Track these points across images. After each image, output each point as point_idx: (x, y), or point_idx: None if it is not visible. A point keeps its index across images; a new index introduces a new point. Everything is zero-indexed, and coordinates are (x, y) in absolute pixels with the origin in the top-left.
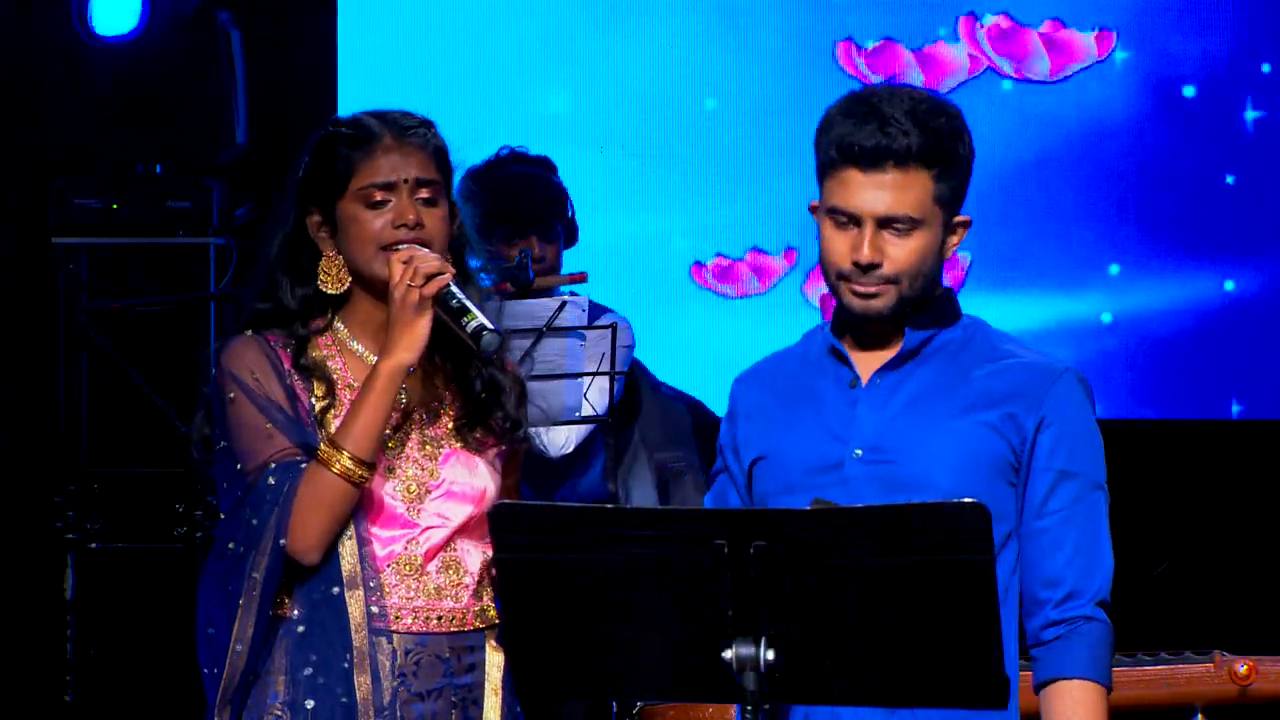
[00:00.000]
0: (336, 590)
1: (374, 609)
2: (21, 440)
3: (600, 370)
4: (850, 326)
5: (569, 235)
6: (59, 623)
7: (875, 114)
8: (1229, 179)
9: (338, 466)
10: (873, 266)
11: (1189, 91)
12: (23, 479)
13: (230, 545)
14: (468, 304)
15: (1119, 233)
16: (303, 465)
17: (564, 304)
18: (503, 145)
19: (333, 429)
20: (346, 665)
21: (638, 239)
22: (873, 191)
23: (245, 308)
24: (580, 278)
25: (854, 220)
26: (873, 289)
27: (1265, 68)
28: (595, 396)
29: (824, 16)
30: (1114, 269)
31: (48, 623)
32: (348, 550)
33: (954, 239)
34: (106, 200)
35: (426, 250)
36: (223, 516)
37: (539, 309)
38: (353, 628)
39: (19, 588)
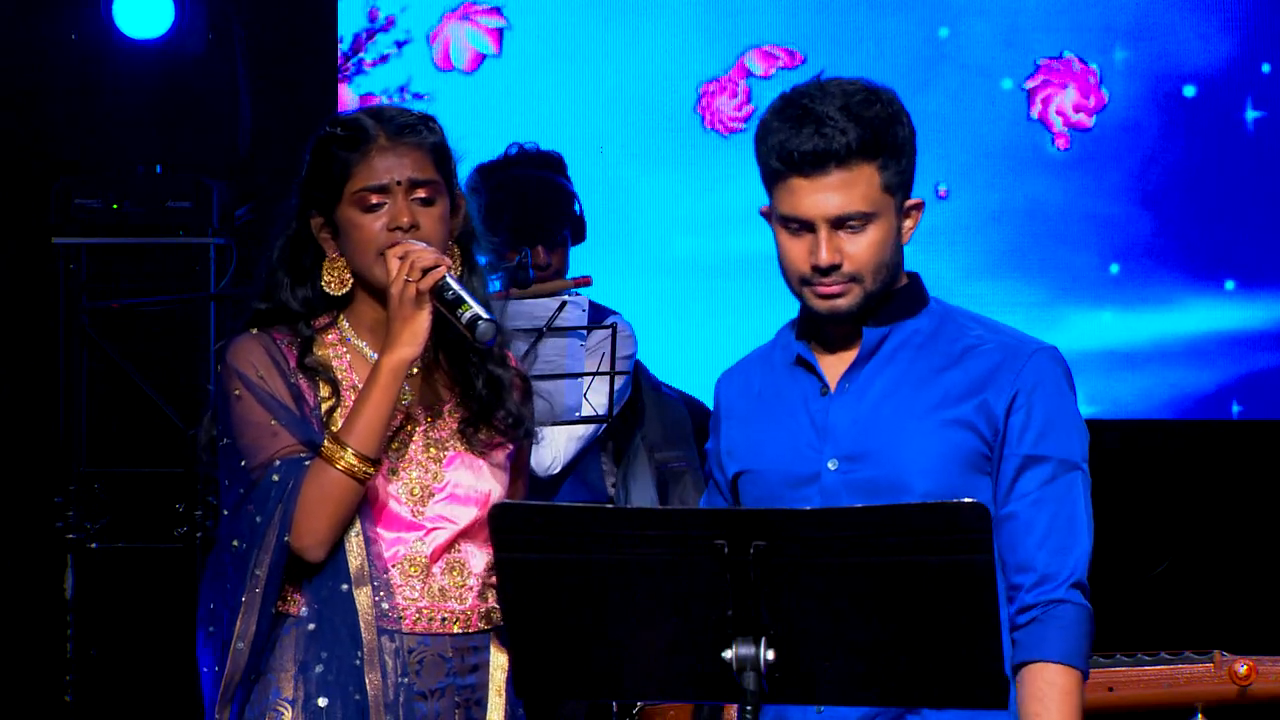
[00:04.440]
0: (345, 587)
1: (384, 605)
2: (21, 440)
3: (600, 371)
4: (817, 329)
5: (576, 234)
6: (59, 623)
7: (810, 116)
8: (1229, 179)
9: (342, 463)
10: (833, 267)
11: (1189, 91)
12: (23, 479)
13: (235, 543)
14: (464, 295)
15: (1119, 232)
16: (307, 462)
17: (564, 304)
18: (512, 143)
19: (337, 427)
20: (358, 662)
21: (634, 239)
22: (820, 195)
23: (247, 307)
24: (584, 281)
25: (807, 226)
26: (836, 289)
27: (1265, 68)
28: (595, 397)
29: (827, 14)
30: (1114, 269)
31: (48, 623)
32: (354, 547)
33: (909, 223)
34: (106, 200)
35: (423, 244)
36: (225, 514)
37: (539, 309)
38: (362, 625)
39: (19, 588)
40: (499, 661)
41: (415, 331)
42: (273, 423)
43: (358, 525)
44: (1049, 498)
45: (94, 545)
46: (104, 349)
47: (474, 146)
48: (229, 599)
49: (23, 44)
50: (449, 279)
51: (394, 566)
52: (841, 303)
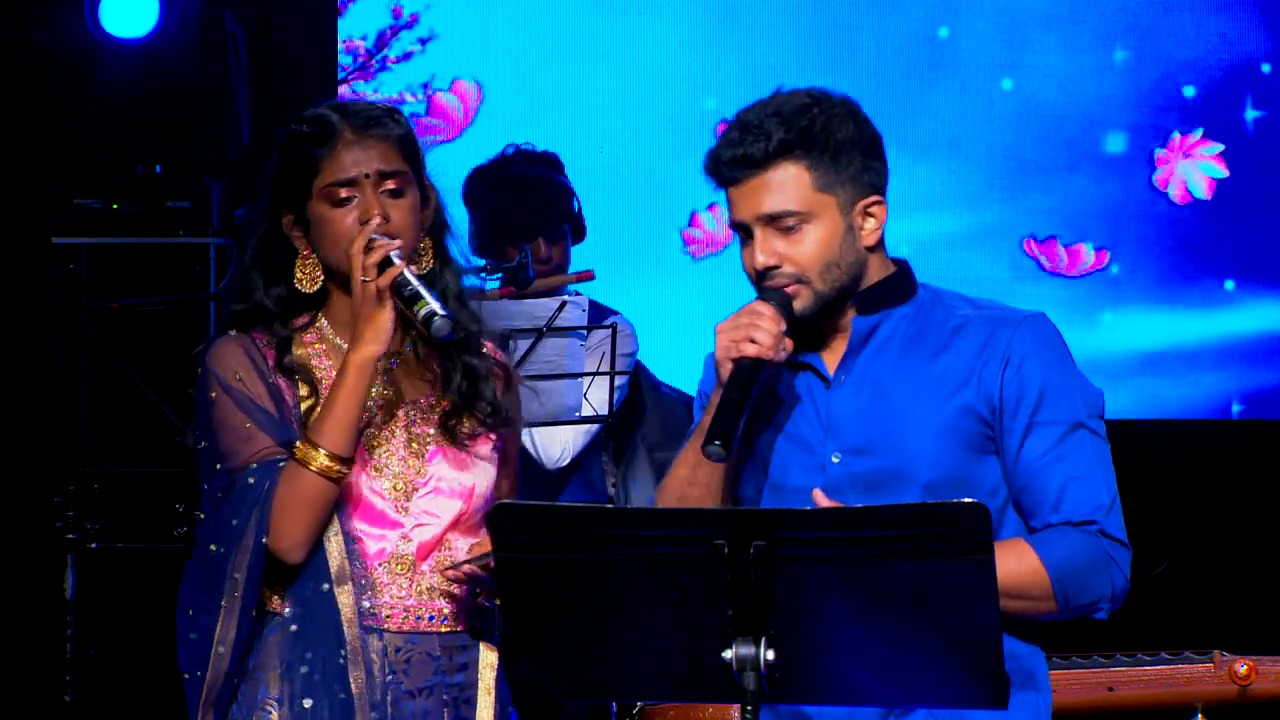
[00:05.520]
0: (326, 587)
1: (365, 604)
2: (21, 440)
3: (600, 370)
4: (812, 325)
5: (576, 232)
6: (59, 623)
7: (738, 125)
8: (1229, 179)
9: (315, 464)
10: (771, 269)
11: (1189, 91)
12: (23, 479)
13: (212, 547)
14: (421, 291)
15: (1120, 233)
16: (281, 464)
17: (564, 304)
18: (508, 144)
19: None
20: (341, 661)
21: (634, 238)
22: (748, 198)
23: (224, 310)
24: (587, 275)
25: (748, 231)
26: (786, 293)
27: (1265, 68)
28: (595, 397)
29: (827, 14)
30: (1115, 269)
31: (48, 623)
32: (334, 546)
33: (870, 222)
34: (106, 200)
35: (385, 239)
36: (202, 517)
37: (539, 309)
38: (344, 623)
39: (19, 588)
40: (489, 660)
41: (379, 328)
42: (247, 425)
43: (336, 525)
44: (1058, 458)
45: (94, 545)
46: (104, 349)
47: (484, 148)
48: (208, 604)
49: (22, 44)
50: (407, 274)
51: (380, 565)
52: (795, 305)
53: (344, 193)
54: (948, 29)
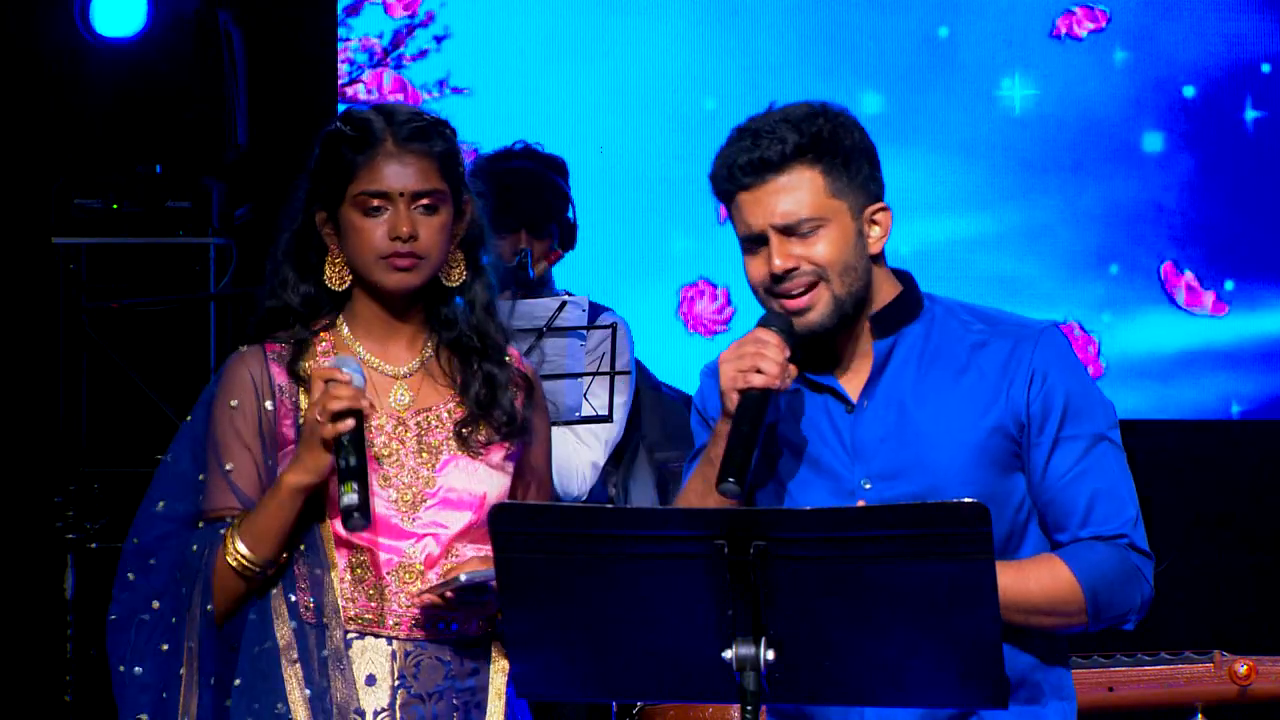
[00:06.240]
0: (269, 644)
1: (309, 670)
2: (21, 440)
3: (600, 370)
4: (816, 351)
5: (565, 238)
6: (59, 623)
7: (748, 132)
8: (1229, 179)
9: (231, 559)
10: (790, 272)
11: (1189, 91)
12: (23, 479)
13: (155, 604)
14: (351, 475)
15: (1119, 232)
16: (221, 531)
17: (564, 304)
18: (517, 139)
19: None
20: (281, 710)
21: (634, 239)
22: (761, 203)
23: (259, 305)
24: (556, 256)
25: (760, 240)
26: (803, 300)
27: (1265, 68)
28: (596, 398)
29: (827, 14)
30: (1114, 269)
31: (48, 623)
32: (280, 608)
33: (877, 230)
34: (106, 200)
35: (353, 375)
36: (135, 542)
37: (539, 309)
38: (285, 677)
39: (19, 588)
40: (500, 665)
41: (318, 462)
42: (200, 477)
43: (279, 588)
44: (1084, 472)
45: (94, 545)
46: (104, 349)
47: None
48: (163, 662)
49: (16, 45)
50: (354, 447)
51: (389, 573)
52: (813, 316)
53: (376, 203)
54: (948, 29)
